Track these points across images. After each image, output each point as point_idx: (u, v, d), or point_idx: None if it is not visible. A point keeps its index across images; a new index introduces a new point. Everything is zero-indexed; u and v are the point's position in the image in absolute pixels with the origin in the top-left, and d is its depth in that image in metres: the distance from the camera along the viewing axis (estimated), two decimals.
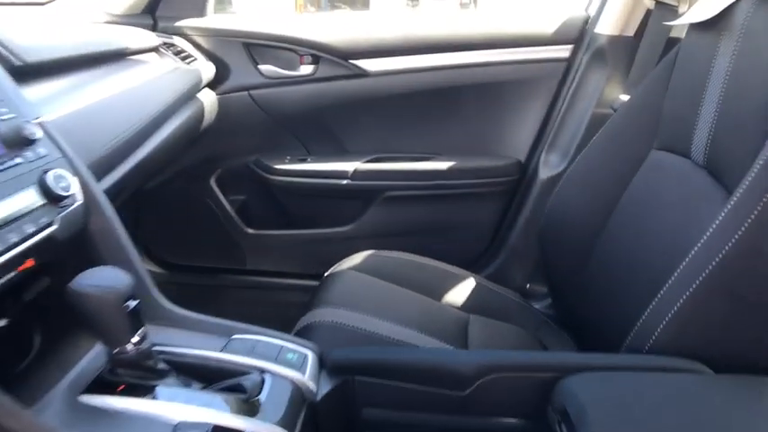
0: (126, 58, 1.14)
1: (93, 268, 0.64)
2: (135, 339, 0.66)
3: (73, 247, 0.74)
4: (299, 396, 0.72)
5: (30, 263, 0.66)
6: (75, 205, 0.71)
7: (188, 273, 1.64)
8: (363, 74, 1.41)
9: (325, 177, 1.46)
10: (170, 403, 0.66)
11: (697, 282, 0.67)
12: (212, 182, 1.53)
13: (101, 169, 0.85)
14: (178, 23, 1.42)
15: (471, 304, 1.17)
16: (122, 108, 0.99)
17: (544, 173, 1.41)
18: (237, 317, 1.62)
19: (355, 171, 1.45)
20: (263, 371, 0.71)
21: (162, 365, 0.70)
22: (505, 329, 1.12)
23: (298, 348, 0.76)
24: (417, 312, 1.10)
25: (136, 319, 0.66)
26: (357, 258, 1.24)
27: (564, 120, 1.40)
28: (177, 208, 1.58)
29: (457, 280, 1.23)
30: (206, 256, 1.64)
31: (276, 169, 1.48)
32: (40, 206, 0.66)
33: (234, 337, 0.77)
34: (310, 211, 1.55)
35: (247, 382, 0.68)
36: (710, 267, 0.66)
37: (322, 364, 0.79)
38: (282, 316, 1.42)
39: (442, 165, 1.44)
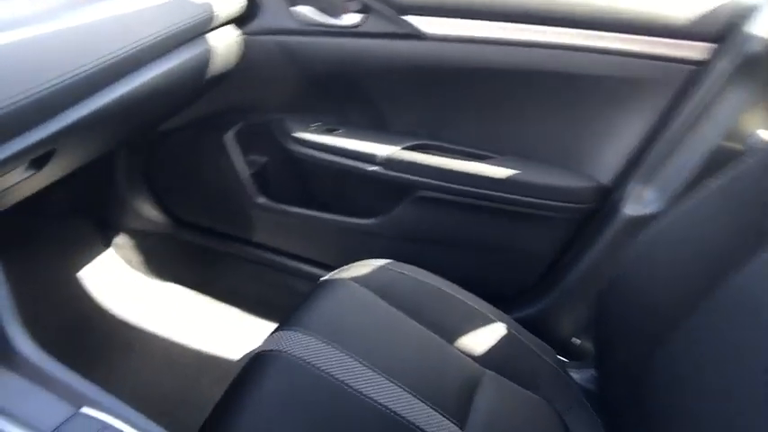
0: None
1: None
2: None
3: None
4: None
5: None
6: None
7: (195, 232, 1.47)
8: (418, 35, 1.09)
9: (352, 158, 1.19)
10: None
11: None
12: (230, 136, 1.30)
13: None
14: None
15: (492, 356, 0.92)
16: (66, 48, 0.76)
17: (631, 209, 1.05)
18: (236, 293, 1.47)
19: (388, 158, 1.16)
20: None
21: None
22: (525, 401, 0.87)
23: None
24: (417, 358, 0.87)
25: None
26: (365, 267, 1.00)
27: (675, 144, 1.02)
28: (191, 159, 1.38)
29: (482, 320, 0.96)
30: (215, 218, 1.44)
31: (296, 138, 1.22)
32: None
33: (82, 410, 0.55)
34: (332, 192, 1.30)
35: None
36: None
37: None
38: (282, 304, 1.22)
39: (498, 171, 1.11)
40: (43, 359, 0.59)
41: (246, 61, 1.18)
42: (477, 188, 1.12)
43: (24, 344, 0.59)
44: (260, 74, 1.21)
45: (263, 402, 0.75)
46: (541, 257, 1.18)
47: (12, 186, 0.76)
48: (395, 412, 0.76)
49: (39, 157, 0.77)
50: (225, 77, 1.17)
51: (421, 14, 1.08)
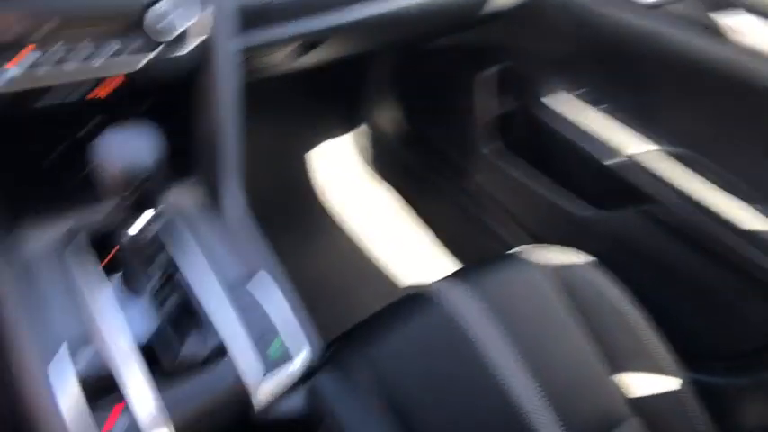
0: None
1: (126, 129, 0.54)
2: (133, 230, 0.56)
3: (176, 90, 0.65)
4: (229, 404, 0.57)
5: (119, 79, 0.59)
6: (182, 52, 0.60)
7: (423, 150, 1.51)
8: (721, 37, 0.93)
9: (596, 143, 1.10)
10: (107, 310, 0.59)
11: None
12: (483, 75, 1.28)
13: (270, 15, 0.70)
14: None
15: (647, 406, 0.83)
16: None
17: None
18: (434, 223, 1.50)
19: (635, 159, 1.05)
20: (224, 349, 0.57)
21: (162, 258, 0.60)
22: None
23: (296, 339, 0.58)
24: (569, 368, 0.82)
25: (140, 204, 0.55)
26: (564, 256, 0.94)
27: None
28: (440, 84, 1.39)
29: (656, 366, 0.87)
30: (443, 145, 1.46)
31: (547, 100, 1.16)
32: (138, 36, 0.57)
33: (255, 277, 0.62)
34: (560, 165, 1.22)
35: (197, 347, 0.56)
36: None
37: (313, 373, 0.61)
38: (469, 253, 1.22)
39: (750, 219, 0.94)
40: (247, 219, 0.67)
41: (530, 7, 1.13)
42: (717, 228, 0.97)
43: (236, 201, 0.68)
44: (539, 24, 1.15)
45: (401, 338, 0.77)
46: (756, 330, 1.00)
47: (278, 63, 0.85)
48: (519, 408, 0.74)
49: (308, 44, 0.85)
50: (502, 16, 1.13)
51: (739, 15, 0.91)
